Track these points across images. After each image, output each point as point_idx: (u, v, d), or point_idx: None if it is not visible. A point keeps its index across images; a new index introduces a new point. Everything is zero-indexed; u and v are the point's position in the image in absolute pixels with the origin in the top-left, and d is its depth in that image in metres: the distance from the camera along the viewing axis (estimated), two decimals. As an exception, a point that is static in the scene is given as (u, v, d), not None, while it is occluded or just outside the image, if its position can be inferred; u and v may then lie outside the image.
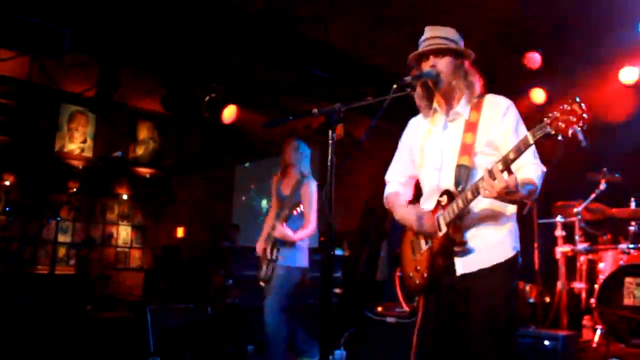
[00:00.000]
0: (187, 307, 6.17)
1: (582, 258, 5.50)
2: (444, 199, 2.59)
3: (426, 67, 2.68)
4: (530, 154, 2.48)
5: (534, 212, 5.72)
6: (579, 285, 5.47)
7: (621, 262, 5.11)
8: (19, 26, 4.87)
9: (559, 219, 5.63)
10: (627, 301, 4.70)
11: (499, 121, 2.60)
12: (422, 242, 2.71)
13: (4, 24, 4.81)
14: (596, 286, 5.05)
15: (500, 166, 2.29)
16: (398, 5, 5.60)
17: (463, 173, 2.56)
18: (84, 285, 8.39)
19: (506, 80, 6.27)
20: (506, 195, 2.29)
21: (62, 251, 9.25)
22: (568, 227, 5.63)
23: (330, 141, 2.33)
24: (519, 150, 2.26)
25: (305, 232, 4.63)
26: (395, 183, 2.99)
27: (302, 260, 4.69)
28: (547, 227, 5.75)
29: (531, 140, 2.21)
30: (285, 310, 4.56)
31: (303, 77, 6.67)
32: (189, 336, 5.86)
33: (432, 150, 2.75)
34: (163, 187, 10.50)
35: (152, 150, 10.35)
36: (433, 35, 2.70)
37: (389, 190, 2.99)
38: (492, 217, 2.57)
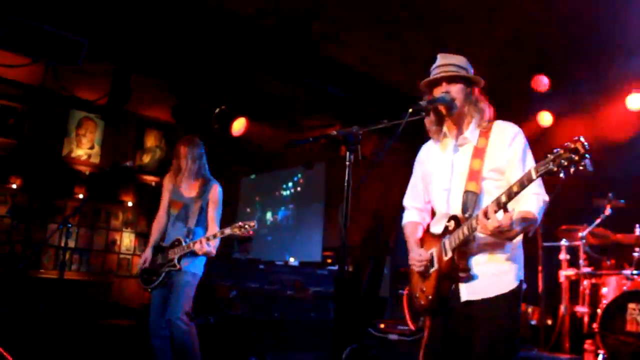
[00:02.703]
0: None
1: (585, 282, 5.52)
2: (452, 224, 2.64)
3: (438, 93, 2.74)
4: (534, 184, 2.46)
5: (538, 235, 5.75)
6: (581, 309, 5.49)
7: (624, 288, 5.14)
8: (38, 34, 4.95)
9: (563, 242, 5.66)
10: (630, 327, 4.72)
11: (506, 148, 2.64)
12: (430, 265, 2.76)
13: (23, 31, 4.89)
14: (599, 311, 5.07)
15: (494, 207, 2.35)
16: (408, 28, 5.68)
17: (470, 199, 2.60)
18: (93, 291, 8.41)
19: (514, 103, 6.34)
20: (499, 233, 2.36)
21: (65, 256, 9.26)
22: (572, 251, 5.66)
23: (347, 163, 2.38)
24: (522, 185, 2.29)
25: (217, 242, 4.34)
26: (413, 210, 3.06)
27: (202, 267, 4.44)
28: (551, 250, 5.79)
29: (534, 176, 2.23)
30: (191, 319, 4.27)
31: (313, 92, 6.73)
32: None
33: (441, 173, 2.81)
34: (168, 196, 10.54)
35: (159, 158, 10.40)
36: (445, 62, 2.77)
37: (407, 218, 3.07)
38: (497, 244, 2.58)
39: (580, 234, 5.47)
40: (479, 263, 2.60)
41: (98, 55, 5.73)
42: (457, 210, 2.64)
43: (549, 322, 5.94)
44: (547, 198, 2.59)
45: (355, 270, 7.73)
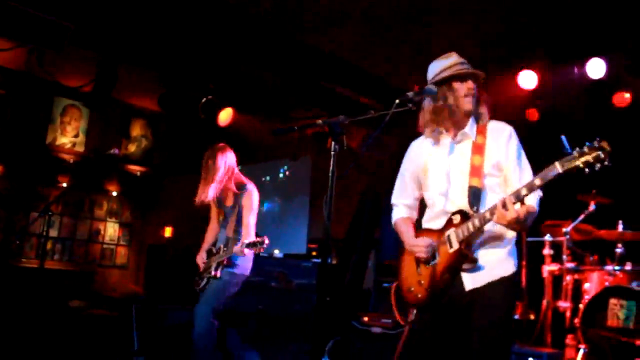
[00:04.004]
0: (173, 308, 6.16)
1: (568, 277, 5.56)
2: (457, 217, 2.71)
3: (461, 88, 2.79)
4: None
5: (523, 231, 5.77)
6: (564, 304, 5.53)
7: (606, 283, 5.19)
8: (22, 17, 4.85)
9: (547, 237, 5.69)
10: (611, 322, 4.76)
11: (504, 146, 2.77)
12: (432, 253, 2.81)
13: (6, 14, 4.80)
14: (581, 306, 5.11)
15: (513, 199, 2.47)
16: (397, 20, 5.66)
17: (475, 194, 2.70)
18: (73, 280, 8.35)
19: (501, 99, 6.36)
20: (515, 224, 2.49)
21: (47, 245, 9.16)
22: (556, 247, 5.70)
23: (332, 152, 2.36)
24: (545, 179, 2.41)
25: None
26: (402, 207, 3.09)
27: (247, 268, 4.61)
28: (535, 245, 5.81)
29: (560, 170, 2.35)
30: (213, 316, 4.46)
31: (301, 83, 6.69)
32: (174, 336, 5.85)
33: (437, 174, 2.87)
34: (153, 186, 10.45)
35: (144, 148, 10.30)
36: (461, 61, 2.85)
37: (397, 215, 3.09)
38: (499, 236, 2.75)
39: (564, 230, 5.51)
40: (484, 254, 2.71)
41: (84, 41, 5.64)
42: (462, 206, 2.71)
43: (532, 316, 5.98)
44: (541, 194, 2.72)
45: (340, 262, 7.73)
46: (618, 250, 5.27)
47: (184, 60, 6.17)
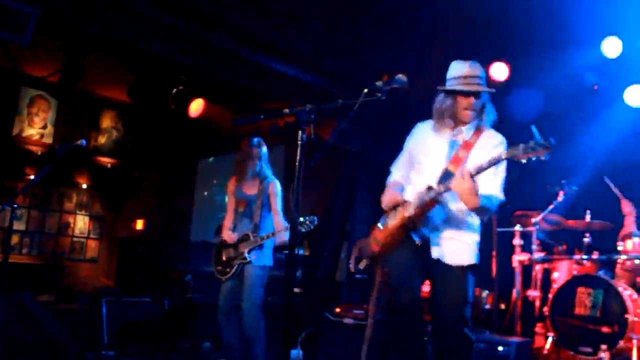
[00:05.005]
0: (143, 301, 6.09)
1: (537, 267, 5.63)
2: (424, 191, 3.03)
3: (463, 101, 3.06)
4: (498, 185, 3.04)
5: (493, 221, 5.83)
6: (533, 293, 5.61)
7: (574, 273, 5.27)
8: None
9: (517, 228, 5.75)
10: (579, 310, 4.84)
11: (490, 151, 3.00)
12: (390, 219, 3.19)
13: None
14: (550, 295, 5.18)
15: (473, 171, 2.79)
16: (367, 12, 5.63)
17: (446, 175, 3.00)
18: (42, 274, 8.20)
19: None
20: (469, 195, 2.80)
21: (14, 239, 8.98)
22: (526, 237, 5.76)
23: (299, 142, 2.34)
24: (491, 163, 2.79)
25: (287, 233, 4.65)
26: (393, 175, 3.40)
27: (271, 258, 4.78)
28: (505, 235, 5.87)
29: (503, 157, 2.74)
30: (262, 309, 4.62)
31: (272, 75, 6.63)
32: (144, 330, 5.79)
33: (432, 165, 3.13)
34: (124, 178, 10.31)
35: (115, 139, 10.14)
36: (474, 74, 3.08)
37: (389, 180, 3.39)
38: (464, 223, 3.10)
39: (533, 220, 5.57)
40: (447, 236, 3.07)
41: (49, 29, 5.50)
42: (433, 182, 3.02)
43: (502, 306, 6.05)
44: (503, 199, 3.06)
45: (312, 254, 7.72)
46: (586, 240, 5.35)
47: (153, 51, 6.05)
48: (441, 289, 3.08)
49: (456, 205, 3.04)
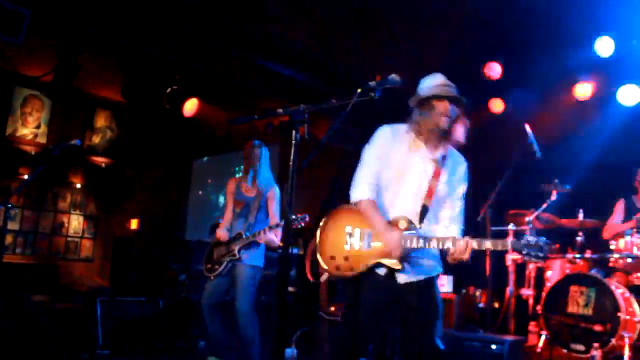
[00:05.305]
0: (138, 300, 6.09)
1: (531, 266, 5.67)
2: (404, 224, 2.97)
3: (440, 105, 3.01)
4: (460, 219, 3.12)
5: (487, 220, 5.84)
6: (526, 291, 5.64)
7: (567, 271, 5.31)
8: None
9: (511, 226, 5.77)
10: (571, 309, 4.87)
11: (459, 182, 3.13)
12: (364, 240, 3.01)
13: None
14: (543, 293, 5.21)
15: (476, 245, 2.83)
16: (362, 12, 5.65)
17: (424, 211, 3.01)
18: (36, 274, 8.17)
19: (466, 89, 6.40)
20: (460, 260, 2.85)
21: (8, 239, 8.96)
22: (519, 235, 5.77)
23: (293, 141, 2.35)
24: (496, 246, 2.90)
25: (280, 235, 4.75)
26: (367, 186, 3.10)
27: (263, 259, 4.82)
28: (499, 234, 5.88)
29: (509, 248, 2.95)
30: (255, 309, 4.64)
31: (266, 75, 6.64)
32: (139, 330, 5.78)
33: (414, 175, 3.06)
34: (118, 178, 10.29)
35: (109, 139, 10.12)
36: (448, 83, 3.07)
37: (365, 194, 3.08)
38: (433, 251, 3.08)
39: (527, 219, 5.59)
40: (415, 261, 3.01)
41: (42, 29, 5.49)
42: (415, 219, 2.98)
43: (496, 304, 6.07)
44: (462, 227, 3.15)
45: (307, 253, 7.71)
46: (579, 239, 5.39)
47: (147, 50, 6.05)
48: (413, 309, 3.00)
49: (428, 228, 3.03)
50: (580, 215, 5.44)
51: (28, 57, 7.32)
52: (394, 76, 2.77)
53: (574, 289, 4.93)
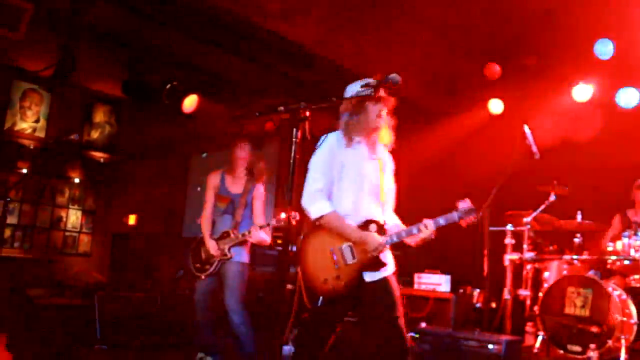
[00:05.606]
0: (136, 296, 6.09)
1: (528, 266, 5.67)
2: (374, 227, 3.07)
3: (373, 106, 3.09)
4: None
5: (485, 220, 5.84)
6: (524, 292, 5.64)
7: (564, 272, 5.31)
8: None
9: (509, 227, 5.77)
10: (568, 310, 4.88)
11: (391, 175, 3.33)
12: (348, 254, 3.06)
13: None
14: (540, 294, 5.21)
15: (432, 224, 3.03)
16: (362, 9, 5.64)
17: (382, 209, 3.20)
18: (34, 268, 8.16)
19: (466, 90, 6.41)
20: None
21: (6, 233, 8.94)
22: (517, 236, 5.78)
23: (294, 139, 2.35)
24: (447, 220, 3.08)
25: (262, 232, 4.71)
26: (323, 198, 3.12)
27: (248, 256, 4.81)
28: (497, 234, 5.89)
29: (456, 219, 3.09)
30: (244, 306, 4.63)
31: (267, 72, 6.63)
32: (137, 325, 5.79)
33: (370, 178, 3.17)
34: (117, 173, 10.28)
35: (108, 134, 10.09)
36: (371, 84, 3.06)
37: (326, 207, 3.10)
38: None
39: (525, 219, 5.60)
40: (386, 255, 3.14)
41: (42, 23, 5.48)
42: (379, 218, 3.12)
43: (493, 305, 6.08)
44: None
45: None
46: (576, 240, 5.40)
47: (147, 46, 6.04)
48: (377, 306, 3.05)
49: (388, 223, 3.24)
50: (578, 217, 5.45)
51: (26, 51, 7.29)
52: (393, 75, 2.78)
53: (571, 290, 4.94)
